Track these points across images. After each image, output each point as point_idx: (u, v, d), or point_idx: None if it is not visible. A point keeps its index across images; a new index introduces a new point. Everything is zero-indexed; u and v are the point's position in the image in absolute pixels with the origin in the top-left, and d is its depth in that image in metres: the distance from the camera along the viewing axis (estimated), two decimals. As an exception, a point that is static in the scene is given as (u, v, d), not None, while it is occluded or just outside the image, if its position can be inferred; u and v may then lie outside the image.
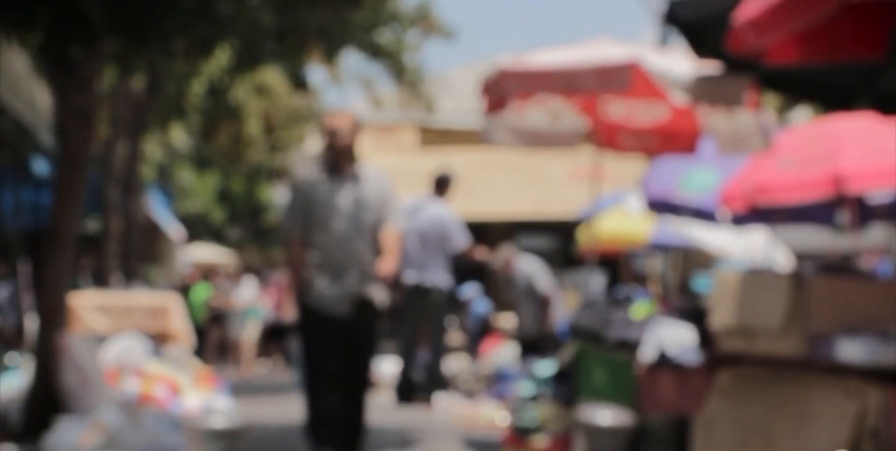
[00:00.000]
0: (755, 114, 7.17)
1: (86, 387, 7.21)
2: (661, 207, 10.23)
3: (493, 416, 9.02)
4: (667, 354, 6.38)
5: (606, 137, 8.21)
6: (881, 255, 12.45)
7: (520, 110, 7.99)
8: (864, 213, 8.75)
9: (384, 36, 16.52)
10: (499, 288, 16.55)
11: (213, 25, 8.63)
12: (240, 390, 11.03)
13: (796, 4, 4.11)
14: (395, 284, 8.37)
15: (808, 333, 5.42)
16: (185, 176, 27.53)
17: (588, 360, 7.14)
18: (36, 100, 10.08)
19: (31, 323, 9.29)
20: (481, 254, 10.81)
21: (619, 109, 8.16)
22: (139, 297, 10.86)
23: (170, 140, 22.30)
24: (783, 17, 4.17)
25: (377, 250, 6.64)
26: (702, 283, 11.59)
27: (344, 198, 6.62)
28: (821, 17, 4.13)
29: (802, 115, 16.93)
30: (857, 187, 7.48)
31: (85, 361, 7.32)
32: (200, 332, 17.14)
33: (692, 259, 15.77)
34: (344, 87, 36.49)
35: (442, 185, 10.78)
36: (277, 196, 27.67)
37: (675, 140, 8.27)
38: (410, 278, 10.35)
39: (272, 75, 20.44)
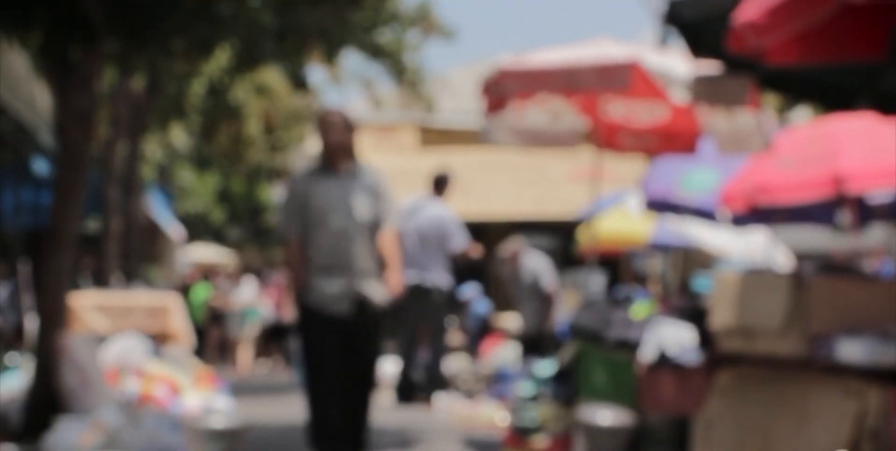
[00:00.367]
0: (755, 114, 7.17)
1: (86, 387, 7.20)
2: (661, 207, 10.23)
3: (493, 416, 9.02)
4: (667, 354, 6.38)
5: (606, 137, 8.21)
6: (884, 256, 12.45)
7: (520, 110, 7.99)
8: (865, 213, 8.76)
9: (384, 36, 16.52)
10: (499, 288, 16.56)
11: (213, 25, 8.62)
12: (240, 390, 11.03)
13: (796, 5, 4.11)
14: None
15: (808, 333, 5.42)
16: (185, 176, 27.54)
17: (588, 360, 7.14)
18: (36, 100, 10.08)
19: (31, 323, 9.28)
20: (476, 252, 10.80)
21: (619, 109, 8.16)
22: (139, 297, 10.86)
23: (170, 140, 22.31)
24: (783, 18, 4.16)
25: (376, 248, 6.61)
26: (702, 283, 11.58)
27: (340, 194, 6.56)
28: (821, 18, 4.13)
29: (802, 115, 16.93)
30: (858, 187, 7.47)
31: (85, 361, 7.31)
32: (200, 332, 17.16)
33: (692, 259, 15.76)
34: (344, 87, 36.45)
35: (441, 184, 10.78)
36: (277, 196, 27.66)
37: (675, 140, 8.27)
38: (410, 278, 10.34)
39: (272, 75, 20.44)
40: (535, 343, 12.04)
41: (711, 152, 8.29)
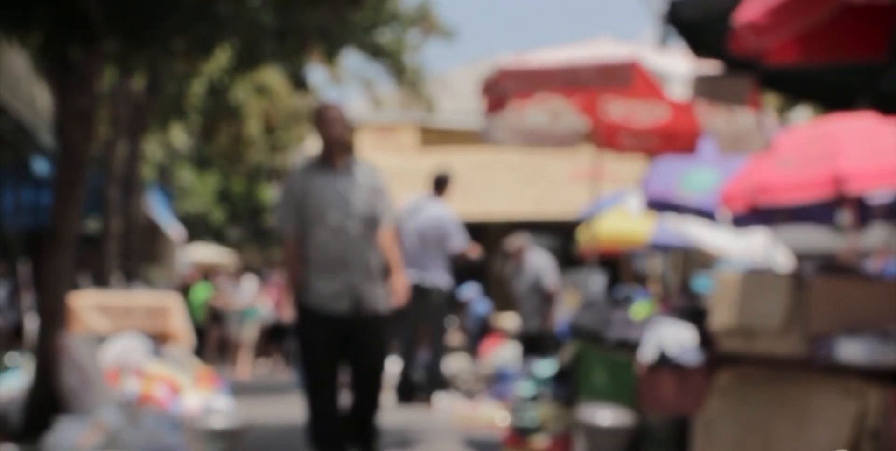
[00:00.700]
0: (755, 114, 7.17)
1: (86, 387, 7.20)
2: (661, 206, 10.23)
3: (493, 416, 9.02)
4: (667, 354, 6.38)
5: (606, 137, 8.21)
6: (887, 256, 12.45)
7: (520, 110, 7.98)
8: (865, 213, 8.76)
9: (384, 36, 16.53)
10: (499, 288, 16.56)
11: (213, 25, 8.62)
12: (240, 390, 11.03)
13: (796, 5, 4.11)
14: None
15: (808, 333, 5.42)
16: (185, 176, 27.56)
17: (588, 360, 7.14)
18: (36, 100, 10.08)
19: (31, 323, 9.29)
20: (474, 252, 10.79)
21: (619, 109, 8.16)
22: (139, 297, 10.87)
23: (170, 140, 22.32)
24: (783, 18, 4.16)
25: (375, 246, 6.54)
26: (702, 283, 11.58)
27: (338, 191, 6.47)
28: (821, 18, 4.13)
29: (802, 115, 16.93)
30: (858, 187, 7.48)
31: (85, 361, 7.31)
32: (200, 332, 17.15)
33: (692, 259, 15.77)
34: (344, 87, 36.47)
35: (440, 184, 10.78)
36: (276, 195, 27.68)
37: (675, 140, 8.27)
38: (410, 277, 10.34)
39: (272, 75, 20.44)
40: (535, 343, 12.05)
41: (711, 152, 8.29)
